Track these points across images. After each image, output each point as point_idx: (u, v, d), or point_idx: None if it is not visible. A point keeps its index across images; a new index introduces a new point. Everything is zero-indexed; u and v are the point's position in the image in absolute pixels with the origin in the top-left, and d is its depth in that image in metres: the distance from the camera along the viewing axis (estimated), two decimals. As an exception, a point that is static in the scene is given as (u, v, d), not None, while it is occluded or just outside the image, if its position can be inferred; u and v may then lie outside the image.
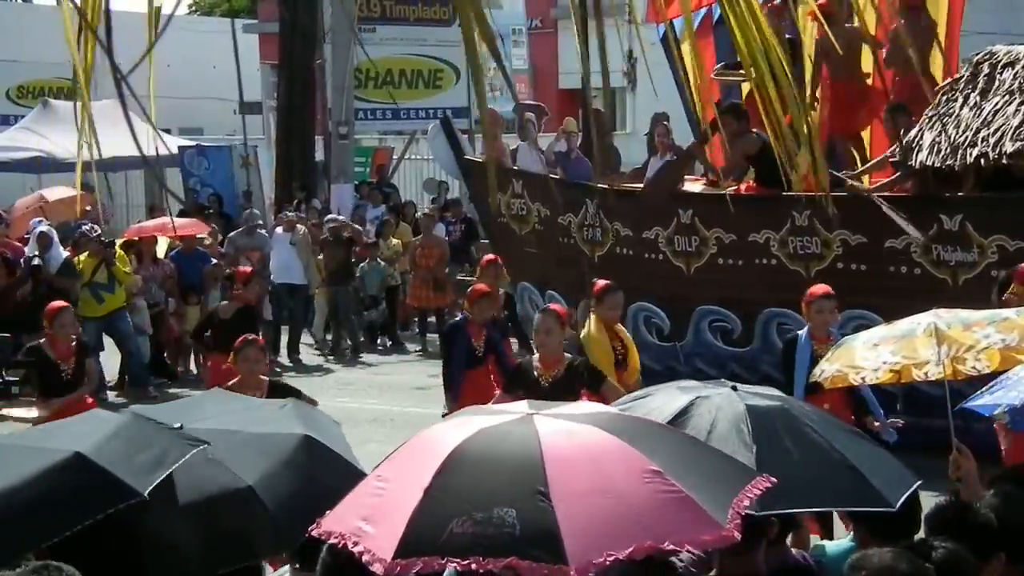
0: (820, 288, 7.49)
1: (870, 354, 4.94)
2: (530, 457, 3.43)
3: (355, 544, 3.38)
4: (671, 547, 3.30)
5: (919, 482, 4.05)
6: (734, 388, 4.28)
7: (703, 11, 11.78)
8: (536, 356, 7.50)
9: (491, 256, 10.95)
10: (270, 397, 7.09)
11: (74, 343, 9.13)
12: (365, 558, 3.33)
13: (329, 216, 16.52)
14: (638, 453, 3.50)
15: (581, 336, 8.21)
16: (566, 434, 3.58)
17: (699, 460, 3.78)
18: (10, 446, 4.32)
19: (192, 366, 14.55)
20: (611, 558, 3.19)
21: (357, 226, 16.03)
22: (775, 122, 2.21)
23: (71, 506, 3.92)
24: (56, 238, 13.63)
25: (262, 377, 7.50)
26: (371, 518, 3.45)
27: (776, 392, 4.52)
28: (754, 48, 2.24)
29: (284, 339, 15.06)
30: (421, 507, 3.34)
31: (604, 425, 3.69)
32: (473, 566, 3.20)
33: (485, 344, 8.82)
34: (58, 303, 9.59)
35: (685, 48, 12.11)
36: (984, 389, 4.79)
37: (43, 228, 13.58)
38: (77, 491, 3.96)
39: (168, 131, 22.64)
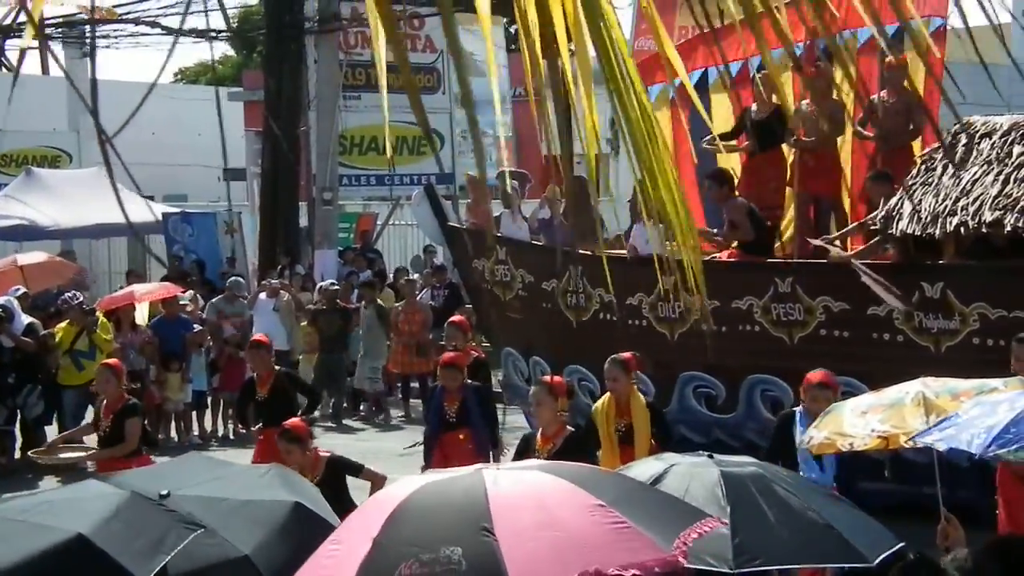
0: (816, 375, 7.09)
1: (859, 422, 4.94)
2: (475, 499, 3.58)
3: None
4: (616, 572, 3.40)
5: (902, 544, 4.05)
6: (710, 456, 4.37)
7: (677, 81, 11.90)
8: (540, 429, 7.47)
9: (456, 317, 10.93)
10: (327, 474, 7.13)
11: (120, 404, 9.05)
12: None
13: (329, 282, 16.38)
14: (584, 492, 3.65)
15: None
16: (512, 479, 3.75)
17: (646, 499, 3.95)
18: (12, 520, 4.31)
19: (173, 433, 14.43)
20: None
21: (339, 300, 15.93)
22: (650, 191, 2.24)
23: None
24: (18, 309, 13.44)
25: (319, 455, 7.33)
26: None
27: (751, 459, 4.57)
28: (631, 113, 2.27)
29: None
30: (369, 557, 3.47)
31: (551, 470, 3.90)
32: None
33: (459, 410, 8.85)
34: (109, 361, 9.75)
35: (659, 115, 12.25)
36: (932, 426, 4.72)
37: (2, 301, 13.45)
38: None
39: (152, 198, 22.67)
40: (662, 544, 3.50)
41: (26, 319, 13.35)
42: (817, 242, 10.20)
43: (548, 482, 3.73)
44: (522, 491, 3.67)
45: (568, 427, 7.41)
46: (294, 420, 7.77)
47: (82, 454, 9.22)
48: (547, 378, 7.87)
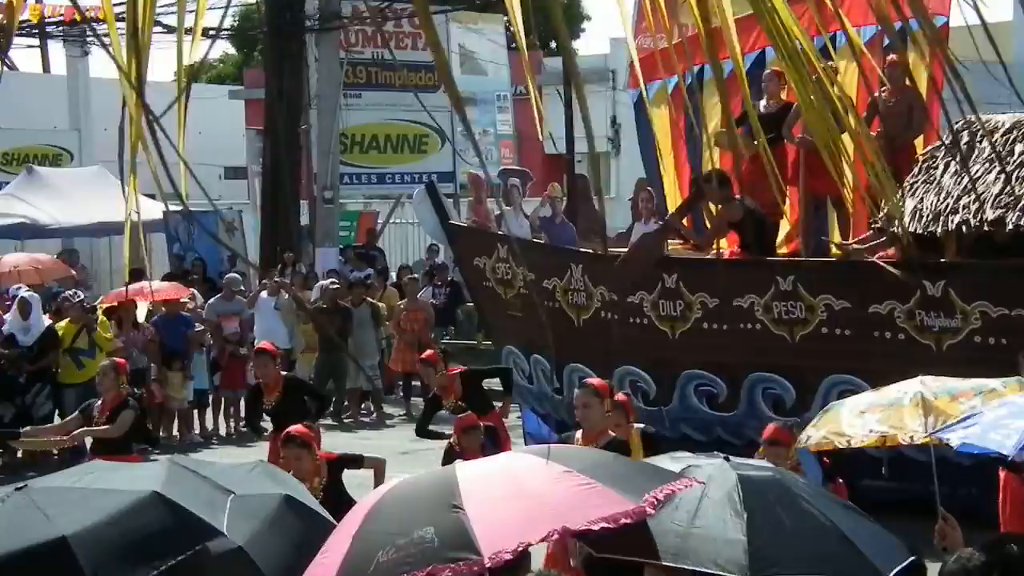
0: (768, 431, 6.64)
1: (857, 421, 4.92)
2: (445, 482, 3.82)
3: None
4: (584, 527, 3.59)
5: (913, 558, 4.02)
6: (727, 459, 4.29)
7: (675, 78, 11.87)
8: (580, 432, 7.17)
9: (427, 353, 10.77)
10: (331, 476, 7.20)
11: (118, 401, 9.15)
12: None
13: (329, 280, 16.29)
14: (552, 463, 3.86)
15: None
16: (482, 461, 4.06)
17: (617, 466, 4.15)
18: (72, 488, 4.38)
19: (174, 431, 14.43)
20: (523, 545, 3.55)
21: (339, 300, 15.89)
22: (843, 176, 2.29)
23: (163, 542, 4.05)
24: (38, 307, 13.41)
25: (318, 463, 7.23)
26: None
27: (768, 464, 4.52)
28: (815, 103, 2.30)
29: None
30: (349, 552, 3.69)
31: (522, 451, 4.27)
32: None
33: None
34: (115, 359, 9.83)
35: (655, 113, 12.24)
36: (955, 423, 4.64)
37: (24, 295, 13.39)
38: (164, 530, 4.08)
39: (152, 196, 22.66)
40: (630, 499, 3.64)
41: (46, 320, 13.31)
42: (850, 244, 10.18)
43: (516, 458, 4.03)
44: (490, 468, 3.95)
45: (611, 432, 7.09)
46: (299, 426, 7.57)
47: (61, 437, 9.31)
48: (592, 380, 7.53)
